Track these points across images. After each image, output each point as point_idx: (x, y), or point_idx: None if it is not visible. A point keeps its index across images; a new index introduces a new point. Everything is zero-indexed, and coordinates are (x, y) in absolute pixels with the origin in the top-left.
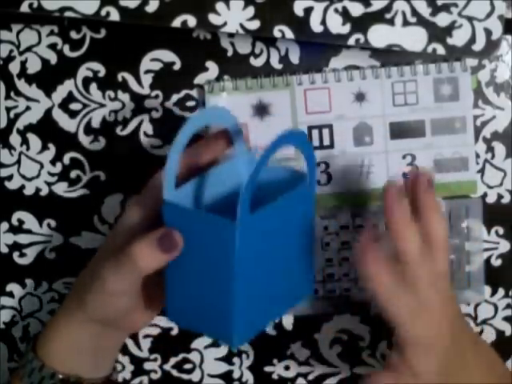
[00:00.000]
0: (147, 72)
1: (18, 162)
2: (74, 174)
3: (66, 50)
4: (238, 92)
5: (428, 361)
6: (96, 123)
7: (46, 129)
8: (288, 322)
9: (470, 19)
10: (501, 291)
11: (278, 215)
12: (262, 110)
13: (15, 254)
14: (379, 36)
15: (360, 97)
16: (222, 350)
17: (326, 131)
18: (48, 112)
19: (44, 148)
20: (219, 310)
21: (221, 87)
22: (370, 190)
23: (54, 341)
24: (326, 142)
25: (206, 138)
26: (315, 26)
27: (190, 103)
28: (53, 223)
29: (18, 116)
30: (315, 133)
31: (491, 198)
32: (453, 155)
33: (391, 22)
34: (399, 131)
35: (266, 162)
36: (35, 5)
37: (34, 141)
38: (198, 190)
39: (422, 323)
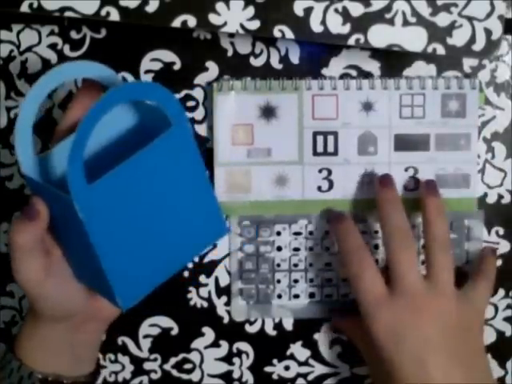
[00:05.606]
0: (147, 72)
1: None
2: None
3: (66, 49)
4: (247, 92)
5: None
6: None
7: (47, 129)
8: (288, 322)
9: (470, 19)
10: (501, 292)
11: (136, 173)
12: (269, 111)
13: None
14: (379, 36)
15: (367, 106)
16: (222, 350)
17: (331, 138)
18: (48, 112)
19: (44, 148)
20: (99, 274)
21: (230, 86)
22: (370, 199)
23: (30, 341)
24: (331, 148)
25: (76, 92)
26: (315, 26)
27: (190, 103)
28: None
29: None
30: (320, 139)
31: (491, 198)
32: (455, 171)
33: (391, 21)
34: (403, 143)
35: (91, 125)
36: (35, 5)
37: (34, 141)
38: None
39: None
